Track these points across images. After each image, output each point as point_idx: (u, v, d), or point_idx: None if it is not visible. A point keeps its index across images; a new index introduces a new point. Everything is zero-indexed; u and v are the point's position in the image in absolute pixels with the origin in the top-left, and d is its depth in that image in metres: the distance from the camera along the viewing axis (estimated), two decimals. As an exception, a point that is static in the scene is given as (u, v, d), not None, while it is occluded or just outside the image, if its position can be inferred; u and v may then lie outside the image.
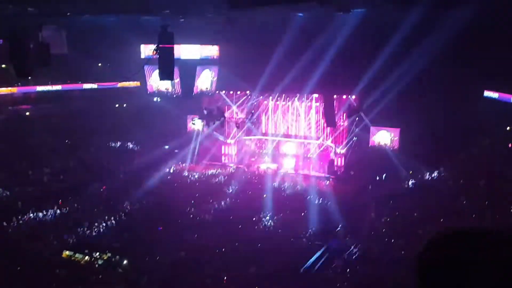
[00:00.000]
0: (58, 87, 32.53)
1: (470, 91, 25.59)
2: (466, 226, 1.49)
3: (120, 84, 33.20)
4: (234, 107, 34.81)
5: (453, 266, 1.38)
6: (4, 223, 21.97)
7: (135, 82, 33.55)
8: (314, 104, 33.82)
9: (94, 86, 32.81)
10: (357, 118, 30.74)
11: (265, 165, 33.71)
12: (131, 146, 32.40)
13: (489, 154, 25.71)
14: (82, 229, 22.17)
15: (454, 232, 1.48)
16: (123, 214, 24.08)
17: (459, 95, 25.43)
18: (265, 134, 35.92)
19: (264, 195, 26.69)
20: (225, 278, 17.51)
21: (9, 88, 30.24)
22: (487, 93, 26.11)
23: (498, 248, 1.38)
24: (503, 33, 20.09)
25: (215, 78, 26.31)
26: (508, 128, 26.45)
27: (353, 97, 30.53)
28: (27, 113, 32.35)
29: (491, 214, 21.40)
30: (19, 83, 29.79)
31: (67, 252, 19.78)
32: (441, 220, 21.37)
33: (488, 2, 14.76)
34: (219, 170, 32.39)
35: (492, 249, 1.38)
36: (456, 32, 20.07)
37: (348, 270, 17.98)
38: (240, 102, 34.72)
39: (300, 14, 19.74)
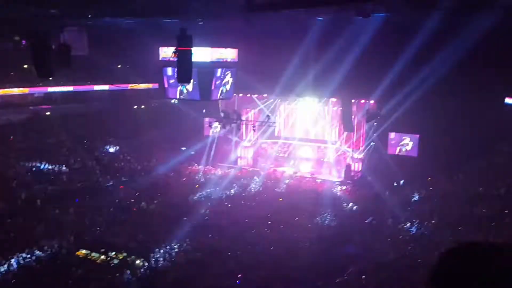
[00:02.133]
0: (70, 88, 32.99)
1: (491, 97, 25.17)
2: (480, 240, 1.46)
3: (137, 86, 33.62)
4: (251, 110, 34.91)
5: (467, 280, 1.37)
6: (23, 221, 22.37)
7: (148, 84, 34.05)
8: (331, 108, 33.61)
9: (106, 87, 33.37)
10: (375, 123, 30.45)
11: (282, 168, 33.66)
12: (147, 146, 32.61)
13: (510, 162, 25.24)
14: (98, 228, 22.44)
15: (468, 246, 1.46)
16: (139, 214, 24.34)
17: (480, 102, 25.01)
18: (282, 137, 35.83)
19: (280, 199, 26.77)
20: (239, 278, 17.55)
21: (20, 89, 30.79)
22: (508, 100, 25.63)
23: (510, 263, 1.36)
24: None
25: (232, 81, 26.34)
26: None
27: (372, 101, 30.24)
28: (48, 113, 32.90)
29: (510, 222, 21.01)
30: (41, 83, 30.37)
31: (83, 251, 19.99)
32: (459, 228, 21.07)
33: (509, 9, 14.51)
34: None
35: (505, 264, 1.36)
36: (478, 38, 19.80)
37: (363, 276, 17.79)
38: (257, 105, 34.78)
39: (320, 18, 19.66)
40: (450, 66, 23.29)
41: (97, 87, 34.14)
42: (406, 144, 30.00)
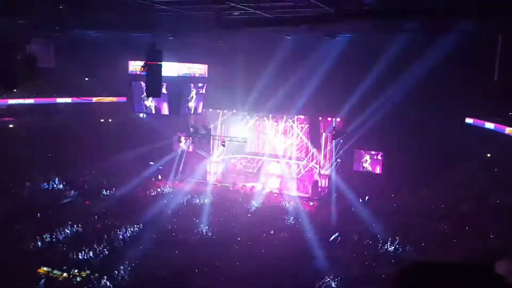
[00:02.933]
0: (31, 101, 31.82)
1: (452, 117, 26.05)
2: (433, 259, 1.57)
3: (102, 99, 32.95)
4: (220, 126, 34.94)
5: None
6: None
7: (113, 98, 33.41)
8: (299, 125, 34.01)
9: (69, 100, 32.32)
10: (341, 141, 30.98)
11: (251, 183, 33.70)
12: (114, 161, 32.01)
13: (471, 179, 26.04)
14: (61, 245, 21.80)
15: (421, 265, 1.56)
16: (103, 230, 23.78)
17: (442, 121, 25.86)
18: (251, 153, 35.92)
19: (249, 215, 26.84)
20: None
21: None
22: (468, 120, 26.55)
23: (461, 282, 1.46)
24: (483, 60, 20.59)
25: (196, 97, 26.50)
26: (488, 155, 26.90)
27: (338, 119, 30.81)
28: (10, 126, 31.89)
29: (471, 239, 21.64)
30: (4, 95, 29.42)
31: (45, 268, 19.34)
32: (422, 244, 21.58)
33: (470, 33, 15.28)
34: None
35: (456, 282, 1.46)
36: (439, 59, 20.64)
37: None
38: (226, 120, 34.87)
39: (288, 37, 20.09)
40: (413, 86, 24.11)
41: (60, 100, 33.12)
42: (365, 160, 30.76)
